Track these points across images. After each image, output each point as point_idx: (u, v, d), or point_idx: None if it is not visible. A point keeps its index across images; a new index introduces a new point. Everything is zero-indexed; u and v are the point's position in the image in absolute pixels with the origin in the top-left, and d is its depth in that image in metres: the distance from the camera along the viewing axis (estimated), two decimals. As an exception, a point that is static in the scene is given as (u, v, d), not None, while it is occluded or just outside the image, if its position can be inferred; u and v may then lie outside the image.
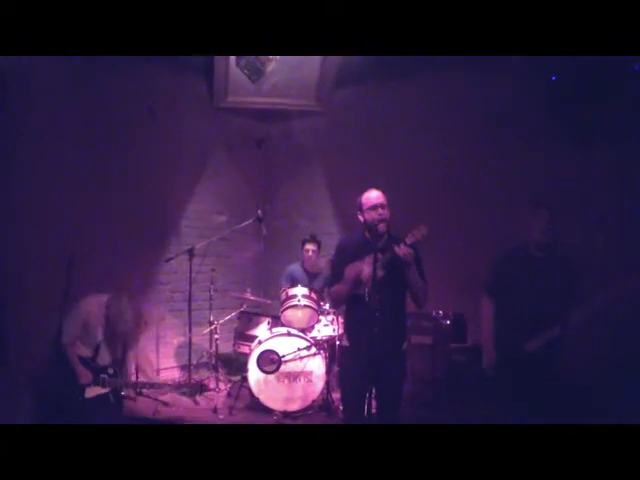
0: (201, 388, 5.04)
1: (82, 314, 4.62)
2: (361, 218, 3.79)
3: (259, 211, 6.26)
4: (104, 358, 4.70)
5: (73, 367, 4.56)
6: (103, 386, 4.61)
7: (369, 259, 3.59)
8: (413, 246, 3.50)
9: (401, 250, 3.47)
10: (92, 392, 4.58)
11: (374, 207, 3.69)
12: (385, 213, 3.68)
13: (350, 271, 3.69)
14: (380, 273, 3.58)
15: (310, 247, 6.35)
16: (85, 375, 4.58)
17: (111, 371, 4.66)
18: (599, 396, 4.72)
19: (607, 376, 4.90)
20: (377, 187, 3.81)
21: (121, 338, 4.77)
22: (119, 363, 4.78)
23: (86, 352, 4.66)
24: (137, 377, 6.17)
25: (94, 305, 4.68)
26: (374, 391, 3.83)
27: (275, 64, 6.80)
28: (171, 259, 6.28)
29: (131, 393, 5.52)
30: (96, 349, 4.68)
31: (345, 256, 3.81)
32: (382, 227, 3.67)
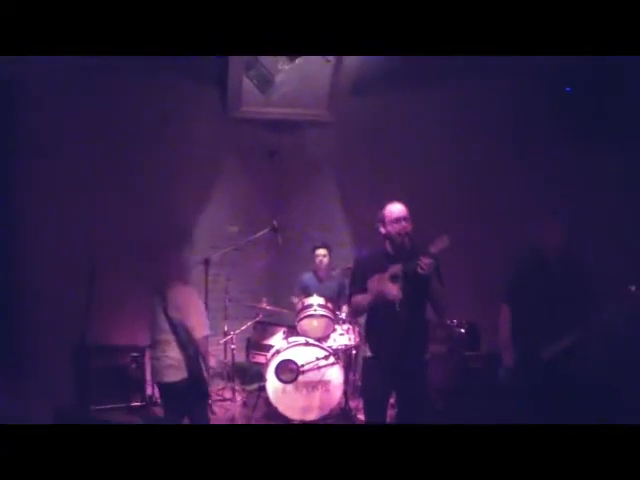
0: None
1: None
2: (382, 230, 3.82)
3: (274, 221, 6.30)
4: None
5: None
6: None
7: (393, 271, 3.65)
8: (435, 256, 3.55)
9: (425, 261, 3.50)
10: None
11: (397, 220, 3.73)
12: (409, 226, 3.73)
13: (375, 284, 3.73)
14: (406, 284, 3.63)
15: (321, 252, 6.35)
16: None
17: None
18: (615, 402, 4.74)
19: (623, 381, 4.93)
20: (391, 199, 3.85)
21: None
22: None
23: None
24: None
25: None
26: (395, 400, 3.92)
27: (284, 75, 6.83)
28: (187, 269, 6.30)
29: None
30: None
31: (366, 268, 3.86)
32: (407, 240, 3.72)
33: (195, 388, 4.40)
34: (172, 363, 4.33)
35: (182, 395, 4.38)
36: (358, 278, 3.91)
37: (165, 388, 4.48)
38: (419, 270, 3.51)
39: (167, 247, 5.49)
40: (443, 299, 3.81)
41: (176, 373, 4.33)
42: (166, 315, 4.34)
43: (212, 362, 4.65)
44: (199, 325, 4.35)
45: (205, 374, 4.46)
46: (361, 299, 3.84)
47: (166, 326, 4.34)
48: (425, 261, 3.49)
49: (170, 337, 4.34)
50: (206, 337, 4.40)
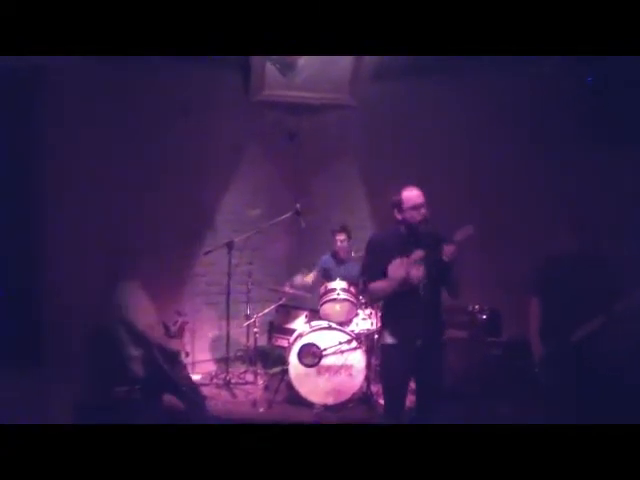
0: None
1: None
2: (399, 216, 3.80)
3: (297, 205, 6.29)
4: None
5: None
6: None
7: (417, 255, 3.66)
8: (459, 244, 3.58)
9: (449, 249, 3.56)
10: None
11: (415, 207, 3.73)
12: (426, 213, 3.72)
13: (396, 270, 3.70)
14: (427, 270, 3.65)
15: (340, 237, 6.35)
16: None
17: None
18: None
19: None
20: (412, 183, 3.84)
21: None
22: None
23: None
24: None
25: None
26: (414, 385, 3.95)
27: (306, 58, 6.79)
28: (210, 252, 6.32)
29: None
30: None
31: (383, 252, 3.82)
32: (423, 227, 3.73)
33: (161, 385, 4.51)
34: (131, 360, 4.47)
35: (153, 393, 4.52)
36: (373, 263, 3.89)
37: (137, 384, 4.54)
38: (443, 257, 3.56)
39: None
40: (457, 284, 3.84)
41: (134, 370, 4.46)
42: (119, 316, 4.52)
43: (174, 345, 4.61)
44: (141, 318, 4.44)
45: (164, 366, 4.48)
46: (384, 285, 3.79)
47: (121, 326, 4.50)
48: (449, 249, 3.55)
49: (124, 336, 4.49)
50: (153, 326, 4.49)
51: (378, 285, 3.84)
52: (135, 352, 4.47)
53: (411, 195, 3.75)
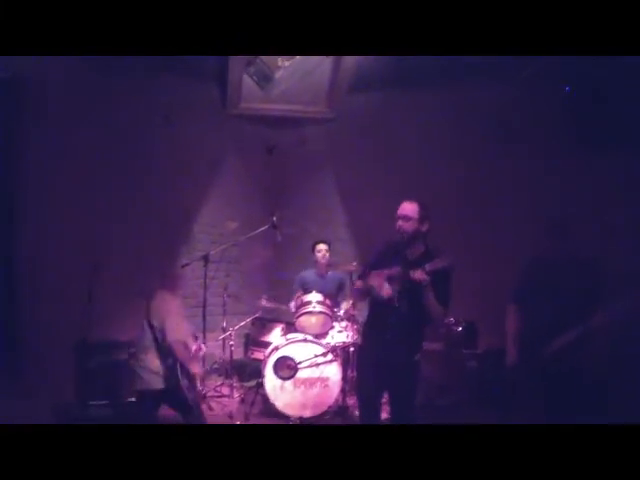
0: None
1: None
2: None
3: (274, 218, 6.29)
4: None
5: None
6: None
7: (391, 272, 3.70)
8: (434, 273, 3.55)
9: (416, 274, 3.57)
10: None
11: (398, 218, 3.78)
12: (404, 225, 3.75)
13: (372, 279, 3.79)
14: (401, 286, 3.68)
15: (322, 247, 6.32)
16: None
17: None
18: (615, 396, 4.76)
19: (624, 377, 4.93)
20: (390, 195, 3.93)
21: None
22: None
23: None
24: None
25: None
26: (388, 398, 3.97)
27: (284, 71, 6.83)
28: (187, 265, 6.30)
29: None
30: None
31: (382, 255, 3.92)
32: (404, 238, 3.76)
33: (172, 399, 4.43)
34: (150, 371, 4.36)
35: (158, 404, 4.46)
36: (373, 261, 3.96)
37: (141, 395, 4.49)
38: (411, 277, 3.59)
39: (156, 253, 5.53)
40: (435, 314, 3.73)
41: (152, 382, 4.36)
42: (148, 323, 4.40)
43: (196, 369, 4.57)
44: (175, 330, 4.33)
45: (183, 385, 4.39)
46: (362, 288, 3.96)
47: (148, 334, 4.39)
48: (416, 273, 3.56)
49: (150, 344, 4.39)
50: (183, 343, 4.37)
51: (358, 283, 4.04)
52: (158, 364, 4.43)
53: (402, 206, 3.80)
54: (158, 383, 4.36)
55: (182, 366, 4.40)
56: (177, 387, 4.37)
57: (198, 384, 5.07)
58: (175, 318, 4.39)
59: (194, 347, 4.61)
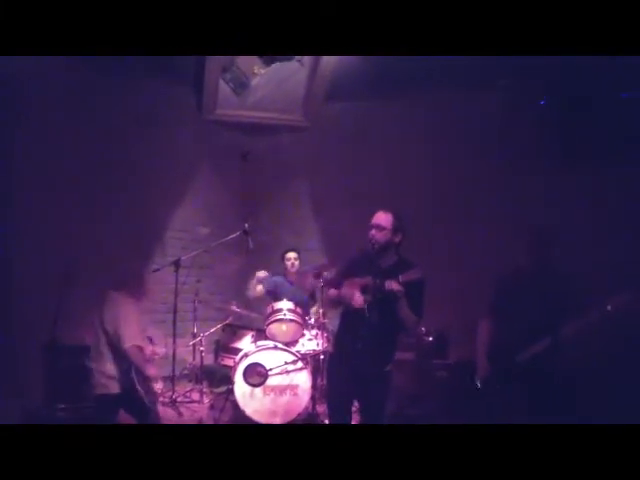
0: None
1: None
2: None
3: (246, 225, 6.26)
4: None
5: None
6: None
7: (363, 282, 3.72)
8: (408, 284, 3.56)
9: (392, 285, 3.55)
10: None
11: (371, 226, 3.79)
12: (377, 235, 3.76)
13: (346, 288, 3.80)
14: (373, 297, 3.69)
15: (292, 256, 6.32)
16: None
17: None
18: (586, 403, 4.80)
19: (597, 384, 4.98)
20: (363, 204, 3.97)
21: None
22: None
23: None
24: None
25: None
26: (358, 407, 4.01)
27: (260, 78, 6.85)
28: (157, 270, 6.24)
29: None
30: None
31: (355, 263, 3.93)
32: (374, 248, 3.77)
33: (129, 403, 4.38)
34: (106, 375, 4.31)
35: (116, 409, 4.41)
36: (346, 268, 3.98)
37: (99, 400, 4.41)
38: (386, 287, 3.58)
39: (127, 257, 5.49)
40: (409, 324, 3.75)
41: (109, 386, 4.31)
42: (102, 328, 4.34)
43: (152, 371, 4.50)
44: (130, 336, 4.27)
45: (139, 388, 4.33)
46: (333, 295, 3.99)
47: (102, 339, 4.34)
48: (389, 284, 3.56)
49: (105, 349, 4.33)
50: (137, 347, 4.31)
51: (331, 292, 4.05)
52: (113, 369, 4.36)
53: (377, 215, 3.80)
54: (114, 387, 4.31)
55: (137, 370, 4.35)
56: (133, 391, 4.32)
57: (154, 387, 4.97)
58: (130, 324, 4.32)
59: (148, 350, 4.56)
